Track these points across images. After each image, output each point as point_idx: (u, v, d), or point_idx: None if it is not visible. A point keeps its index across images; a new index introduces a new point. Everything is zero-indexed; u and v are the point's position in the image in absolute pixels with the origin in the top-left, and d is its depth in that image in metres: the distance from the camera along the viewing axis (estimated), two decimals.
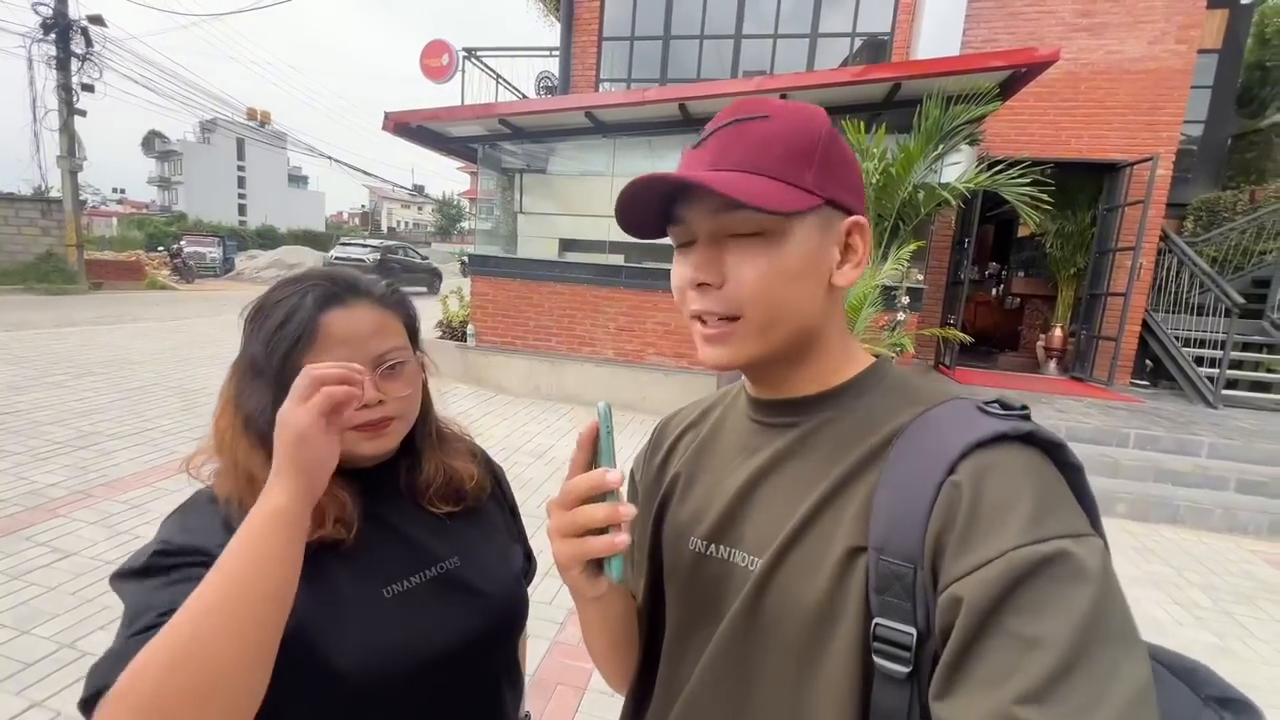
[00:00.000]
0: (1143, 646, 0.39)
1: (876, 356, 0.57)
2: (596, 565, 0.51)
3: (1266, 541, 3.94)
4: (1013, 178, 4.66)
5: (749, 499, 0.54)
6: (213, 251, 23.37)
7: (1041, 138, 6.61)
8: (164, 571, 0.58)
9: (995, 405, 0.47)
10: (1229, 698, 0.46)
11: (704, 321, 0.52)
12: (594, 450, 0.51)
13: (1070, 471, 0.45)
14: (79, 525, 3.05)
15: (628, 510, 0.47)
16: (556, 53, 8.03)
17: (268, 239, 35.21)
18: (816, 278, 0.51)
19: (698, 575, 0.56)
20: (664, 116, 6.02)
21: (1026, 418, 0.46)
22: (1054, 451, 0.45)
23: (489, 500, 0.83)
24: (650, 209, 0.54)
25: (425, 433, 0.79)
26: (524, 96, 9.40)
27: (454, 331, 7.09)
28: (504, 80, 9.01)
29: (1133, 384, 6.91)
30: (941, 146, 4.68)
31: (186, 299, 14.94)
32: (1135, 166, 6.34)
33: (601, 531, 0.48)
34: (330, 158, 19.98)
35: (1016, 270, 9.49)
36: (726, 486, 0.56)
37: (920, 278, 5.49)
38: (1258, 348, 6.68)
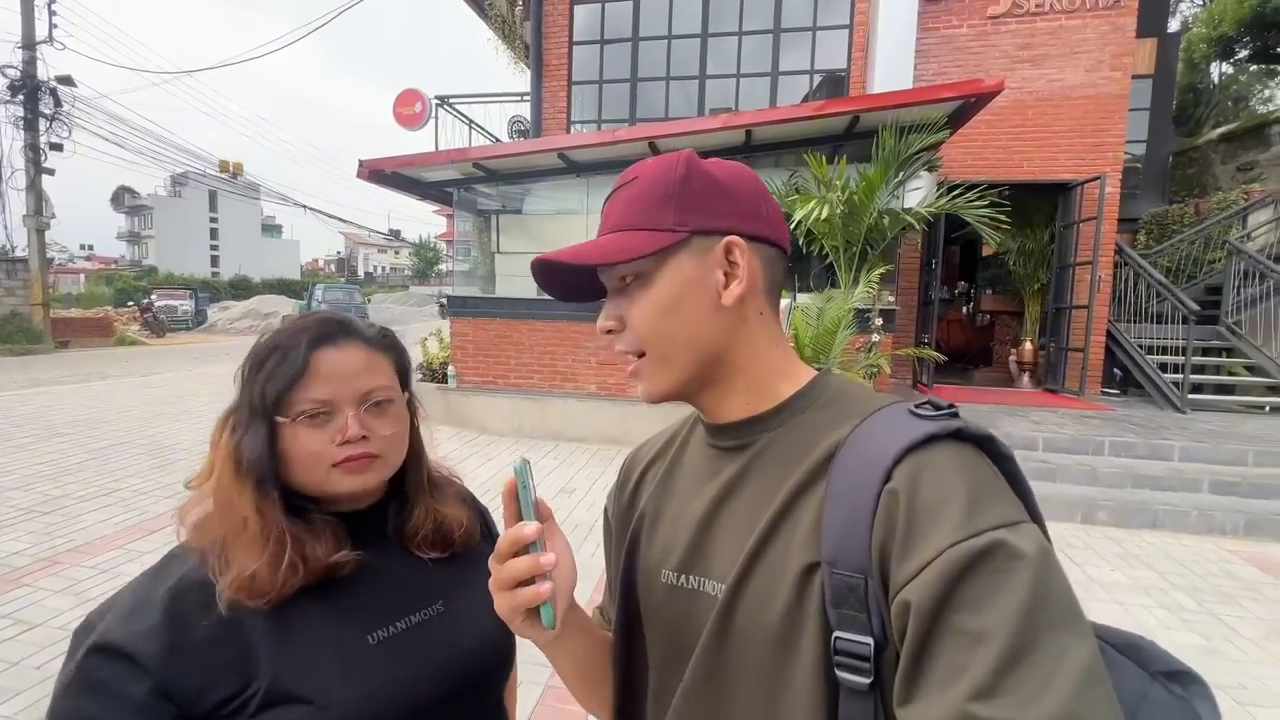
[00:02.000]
0: (1087, 626, 0.39)
1: (819, 369, 0.58)
2: (537, 614, 0.52)
3: (1243, 541, 4.03)
4: (971, 201, 4.86)
5: (712, 525, 0.55)
6: (185, 304, 23.07)
7: (996, 162, 6.93)
8: (86, 690, 0.58)
9: (926, 407, 0.48)
10: (1175, 670, 0.46)
11: (628, 360, 0.57)
12: (518, 505, 0.53)
13: (1003, 462, 0.47)
14: (44, 594, 2.92)
15: (548, 560, 0.50)
16: (528, 98, 8.25)
17: (241, 289, 34.86)
18: (700, 304, 0.53)
19: (671, 607, 0.56)
20: (635, 155, 6.19)
21: (955, 415, 0.47)
22: (984, 444, 0.47)
23: (479, 543, 0.83)
24: (570, 281, 0.61)
25: (417, 478, 0.78)
26: (497, 140, 9.61)
27: (435, 374, 7.05)
28: (476, 125, 9.21)
29: (1103, 393, 7.10)
30: (901, 173, 4.89)
31: (157, 353, 14.65)
32: (1085, 185, 6.66)
33: (531, 582, 0.50)
34: (304, 206, 20.03)
35: (984, 288, 9.79)
36: (691, 515, 0.57)
37: (892, 299, 5.64)
38: (1216, 352, 6.94)
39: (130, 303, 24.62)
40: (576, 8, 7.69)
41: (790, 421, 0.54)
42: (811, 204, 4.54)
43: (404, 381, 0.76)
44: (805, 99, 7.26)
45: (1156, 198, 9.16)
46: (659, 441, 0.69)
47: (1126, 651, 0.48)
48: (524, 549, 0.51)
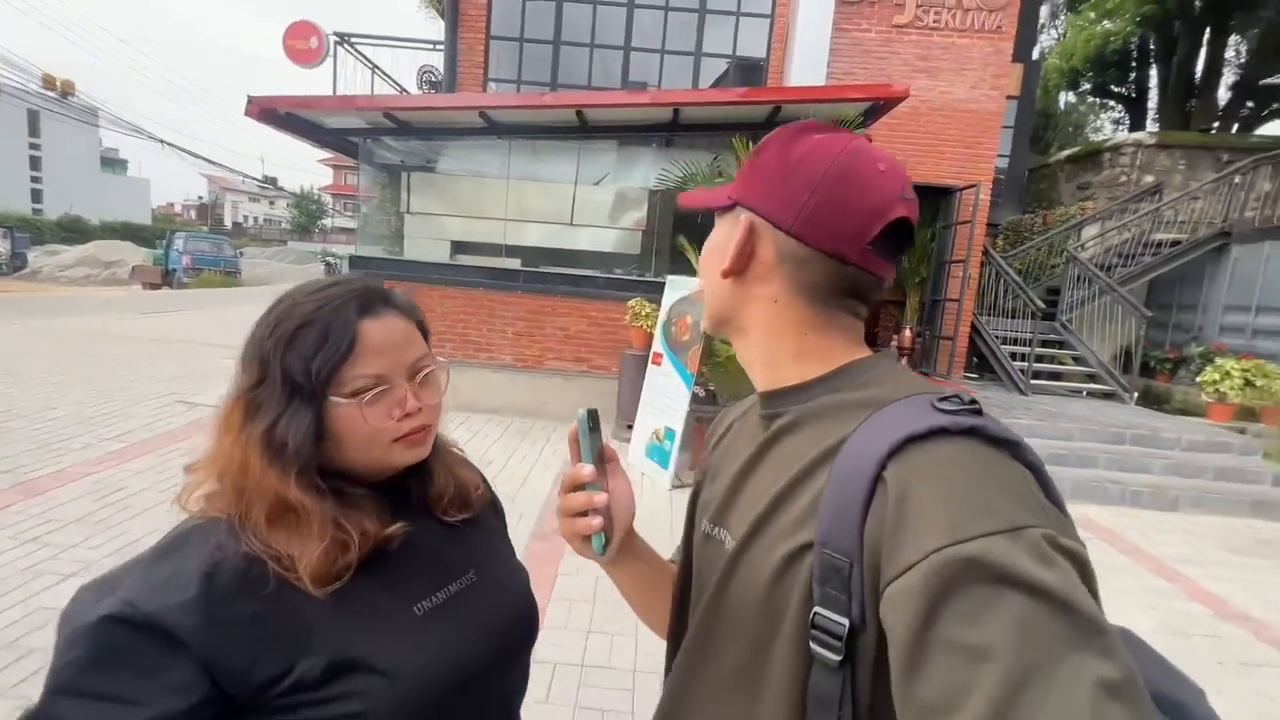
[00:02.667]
0: (1105, 641, 0.35)
1: (868, 354, 0.57)
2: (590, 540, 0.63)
3: (1070, 503, 4.82)
4: None
5: (742, 483, 0.58)
6: None
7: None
8: (108, 665, 0.51)
9: (951, 400, 0.47)
10: None
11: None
12: (580, 447, 0.64)
13: (1030, 471, 0.44)
14: None
15: (600, 499, 0.61)
16: (440, 47, 7.72)
17: (74, 232, 29.87)
18: (715, 265, 0.59)
19: (704, 554, 0.60)
20: (561, 122, 6.05)
21: (976, 412, 0.45)
22: (1005, 448, 0.44)
23: (487, 511, 0.84)
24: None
25: (437, 444, 0.78)
26: (403, 89, 8.92)
27: None
28: (381, 71, 8.49)
29: (965, 377, 8.10)
30: None
31: None
32: (963, 191, 7.45)
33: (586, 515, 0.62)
34: (161, 140, 17.37)
35: None
36: (729, 471, 0.60)
37: None
38: (1054, 344, 8.14)
39: None
40: None
41: (820, 400, 0.54)
42: None
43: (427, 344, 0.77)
44: (717, 82, 7.44)
45: (1014, 207, 10.44)
46: (745, 404, 0.72)
47: (1170, 710, 0.44)
48: (581, 486, 0.62)
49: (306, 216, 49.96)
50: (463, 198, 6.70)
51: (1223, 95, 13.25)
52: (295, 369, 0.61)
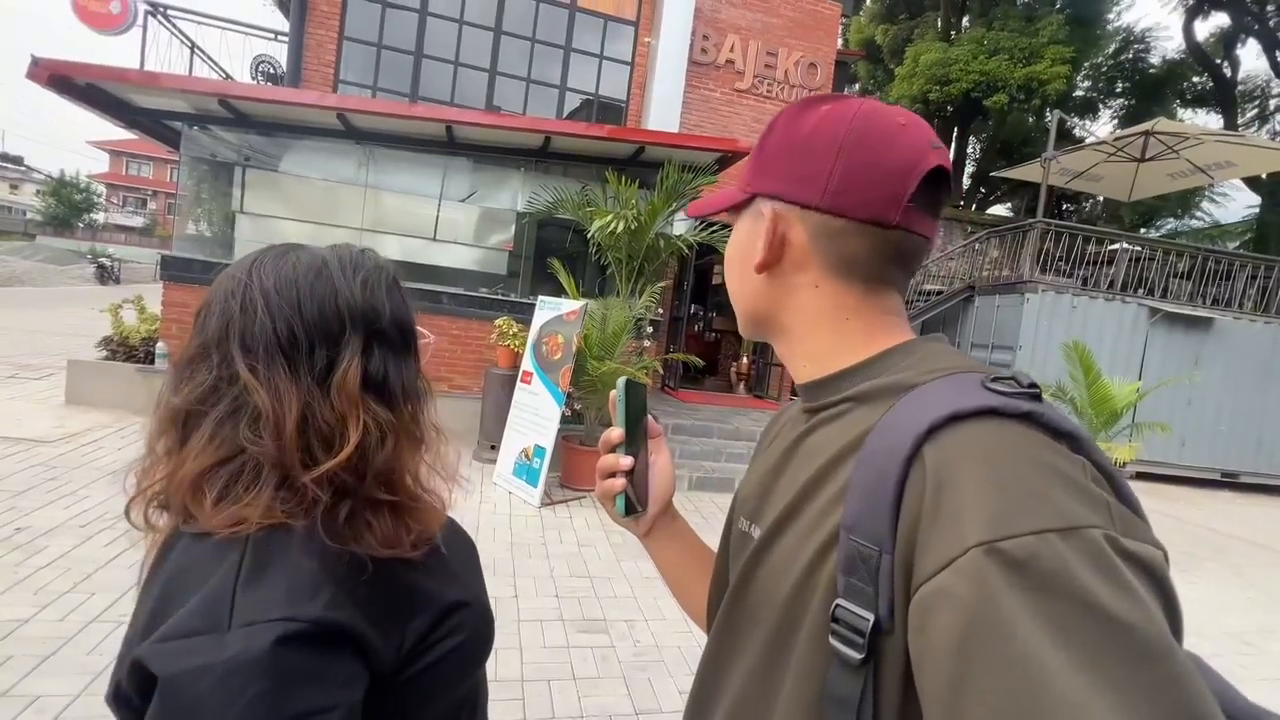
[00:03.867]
0: (1171, 668, 0.31)
1: (913, 338, 0.53)
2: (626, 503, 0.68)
3: None
4: (724, 238, 5.97)
5: (776, 478, 0.55)
6: None
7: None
8: (303, 681, 0.48)
9: (1007, 382, 0.41)
10: None
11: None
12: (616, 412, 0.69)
13: (1094, 468, 0.39)
14: None
15: (625, 462, 0.65)
16: (282, 38, 7.10)
17: None
18: (744, 264, 0.55)
19: (738, 552, 0.57)
20: (427, 134, 5.92)
21: (1036, 397, 0.40)
22: (1065, 440, 0.39)
23: None
24: None
25: None
26: (228, 76, 7.96)
27: (131, 352, 5.55)
28: (202, 52, 7.52)
29: (791, 398, 9.24)
30: (675, 204, 5.74)
31: None
32: None
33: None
34: None
35: (713, 311, 11.77)
36: (767, 467, 0.57)
37: (661, 312, 6.51)
38: None
39: None
40: None
41: (860, 386, 0.50)
42: (610, 218, 5.04)
43: None
44: (574, 116, 7.83)
45: None
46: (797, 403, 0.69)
47: None
48: (614, 449, 0.66)
49: (67, 208, 40.59)
50: (310, 202, 6.17)
51: (966, 181, 17.03)
52: (407, 320, 0.63)
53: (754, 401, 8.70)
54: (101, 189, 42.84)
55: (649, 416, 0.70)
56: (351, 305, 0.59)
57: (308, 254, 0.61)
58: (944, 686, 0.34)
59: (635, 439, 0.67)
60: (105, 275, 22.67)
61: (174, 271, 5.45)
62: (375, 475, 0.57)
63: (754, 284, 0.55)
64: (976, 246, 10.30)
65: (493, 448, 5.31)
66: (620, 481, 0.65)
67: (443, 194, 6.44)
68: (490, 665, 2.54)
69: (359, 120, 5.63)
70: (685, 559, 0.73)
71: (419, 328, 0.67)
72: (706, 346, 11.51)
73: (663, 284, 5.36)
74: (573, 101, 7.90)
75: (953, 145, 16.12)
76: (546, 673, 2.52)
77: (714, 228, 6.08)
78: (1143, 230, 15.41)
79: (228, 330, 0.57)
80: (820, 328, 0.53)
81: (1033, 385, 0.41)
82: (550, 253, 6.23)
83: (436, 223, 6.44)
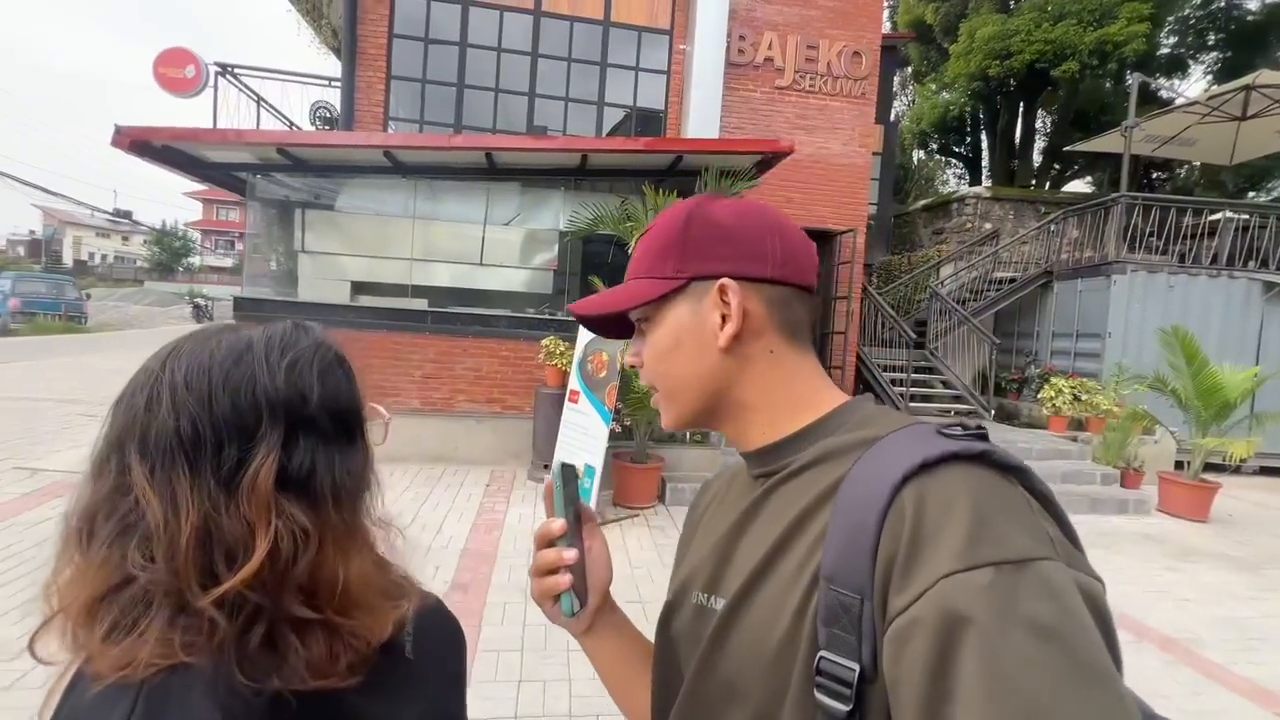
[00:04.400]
0: (1102, 692, 0.35)
1: (852, 398, 0.58)
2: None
3: None
4: None
5: (734, 546, 0.55)
6: None
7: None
8: None
9: (955, 428, 0.46)
10: None
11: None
12: (553, 502, 0.63)
13: (1038, 499, 0.43)
14: None
15: (570, 555, 0.60)
16: (336, 84, 7.51)
17: None
18: (697, 346, 0.56)
19: (698, 627, 0.56)
20: (470, 164, 6.07)
21: (983, 438, 0.45)
22: (1014, 474, 0.43)
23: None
24: (608, 322, 0.65)
25: None
26: (293, 125, 8.51)
27: None
28: (268, 104, 8.07)
29: None
30: None
31: None
32: (843, 235, 8.30)
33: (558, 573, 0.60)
34: None
35: None
36: (719, 537, 0.57)
37: None
38: (925, 370, 9.15)
39: None
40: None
41: (813, 447, 0.53)
42: None
43: None
44: (615, 130, 7.84)
45: (883, 249, 11.74)
46: (729, 472, 0.69)
47: None
48: (554, 543, 0.61)
49: (170, 255, 44.92)
50: (364, 237, 6.47)
51: (1037, 158, 15.89)
52: (345, 406, 0.55)
53: None
54: (196, 235, 47.11)
55: (580, 500, 0.64)
56: (270, 394, 0.51)
57: (231, 338, 0.55)
58: (919, 707, 0.37)
59: (572, 528, 0.62)
60: (200, 314, 24.78)
61: (246, 311, 5.83)
62: (295, 590, 0.49)
63: (711, 362, 0.56)
64: (1053, 228, 9.55)
65: (545, 467, 5.34)
66: (566, 579, 0.60)
67: (487, 219, 6.59)
68: (538, 698, 2.53)
69: (404, 155, 5.85)
70: (629, 653, 0.67)
71: (375, 406, 0.60)
72: None
73: None
74: (612, 115, 7.93)
75: (1018, 122, 15.07)
76: (594, 708, 2.45)
77: None
78: (1251, 195, 13.82)
79: (129, 430, 0.50)
80: (775, 392, 0.57)
81: (979, 428, 0.46)
82: (594, 269, 6.23)
83: (483, 247, 6.59)
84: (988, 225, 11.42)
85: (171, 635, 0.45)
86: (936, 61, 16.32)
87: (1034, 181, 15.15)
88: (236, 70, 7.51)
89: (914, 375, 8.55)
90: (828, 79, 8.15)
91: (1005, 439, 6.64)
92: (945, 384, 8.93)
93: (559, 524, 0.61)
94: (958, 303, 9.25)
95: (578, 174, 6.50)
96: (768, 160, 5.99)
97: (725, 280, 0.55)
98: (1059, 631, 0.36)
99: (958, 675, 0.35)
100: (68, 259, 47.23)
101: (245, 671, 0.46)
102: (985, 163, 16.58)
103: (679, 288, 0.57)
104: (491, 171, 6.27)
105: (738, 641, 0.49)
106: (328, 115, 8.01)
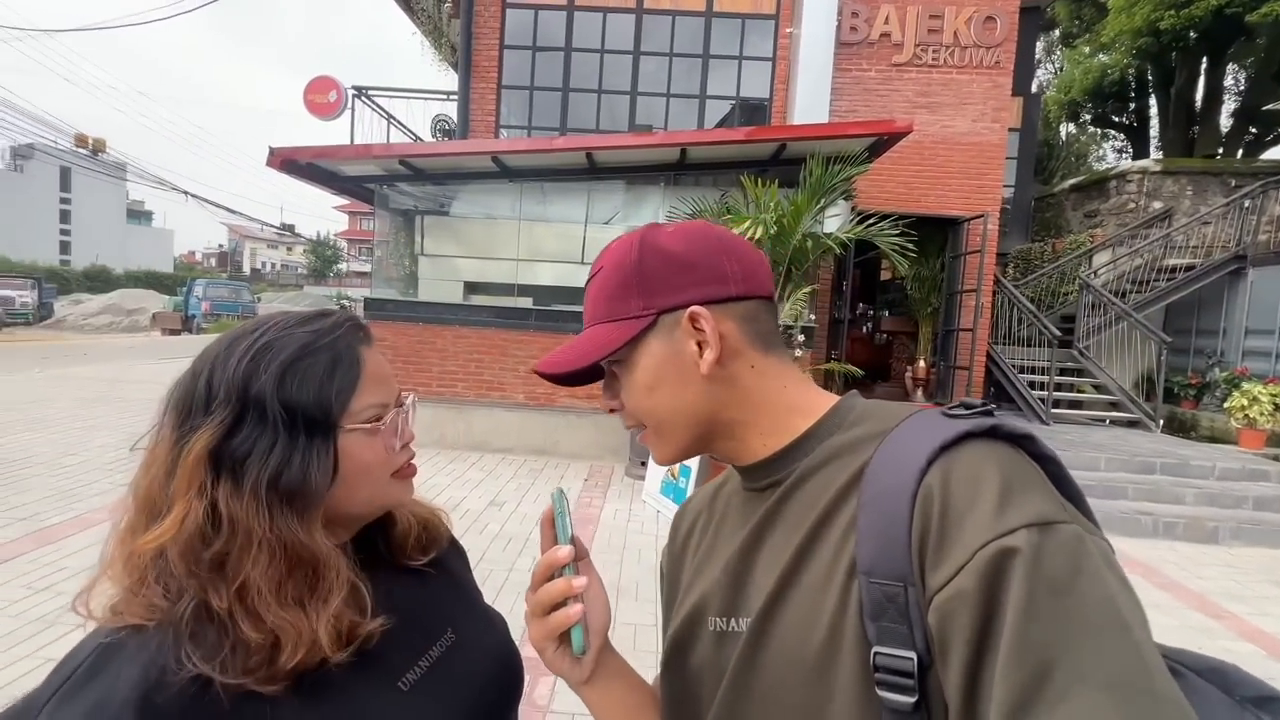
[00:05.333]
0: (1135, 633, 0.37)
1: (842, 396, 0.58)
2: (568, 642, 0.54)
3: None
4: (884, 230, 5.32)
5: (750, 564, 0.54)
6: (25, 295, 20.01)
7: (897, 195, 7.62)
8: None
9: (959, 408, 0.48)
10: (1264, 696, 0.43)
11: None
12: (554, 531, 0.57)
13: (1045, 463, 0.45)
14: None
15: (579, 582, 0.53)
16: (454, 97, 8.02)
17: (99, 281, 30.84)
18: (679, 379, 0.55)
19: (720, 653, 0.54)
20: (571, 164, 6.21)
21: (990, 414, 0.46)
22: (1023, 444, 0.45)
23: (449, 551, 0.77)
24: (570, 378, 0.61)
25: None
26: (417, 138, 9.23)
27: None
28: (396, 121, 8.81)
29: (995, 404, 7.95)
30: (823, 200, 5.26)
31: None
32: (971, 221, 7.49)
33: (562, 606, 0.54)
34: (185, 192, 18.02)
35: (883, 310, 10.68)
36: (731, 558, 0.56)
37: (812, 317, 6.03)
38: (1071, 372, 8.02)
39: None
40: (509, 12, 7.61)
41: (820, 448, 0.53)
42: (747, 224, 4.78)
43: None
44: (721, 123, 7.62)
45: (1021, 236, 10.46)
46: (707, 493, 0.68)
47: (1210, 677, 0.45)
48: (557, 573, 0.55)
49: (322, 261, 51.27)
50: (476, 240, 6.84)
51: (1225, 121, 13.37)
52: (304, 400, 0.55)
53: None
54: (344, 244, 53.16)
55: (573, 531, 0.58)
56: (230, 376, 0.54)
57: (256, 322, 0.59)
58: (970, 653, 0.38)
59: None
60: None
61: (374, 311, 6.39)
62: (217, 574, 0.50)
63: (696, 391, 0.55)
64: (1247, 203, 7.97)
65: (642, 464, 5.32)
66: (577, 609, 0.53)
67: (588, 218, 6.70)
68: None
69: (510, 160, 6.10)
70: (631, 699, 0.61)
71: (404, 393, 0.63)
72: (875, 350, 10.47)
73: (809, 288, 4.92)
74: (714, 108, 7.75)
75: (1200, 80, 12.77)
76: None
77: (870, 220, 5.46)
78: None
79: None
80: (766, 403, 0.56)
81: (984, 404, 0.48)
82: None
83: (584, 246, 6.71)
84: (1156, 204, 9.78)
85: (152, 596, 0.49)
86: (1091, 20, 14.29)
87: (1220, 150, 12.78)
88: (370, 92, 8.27)
89: (1058, 378, 7.52)
90: (954, 50, 7.38)
91: (1177, 454, 5.62)
92: (1099, 388, 7.77)
93: (566, 550, 0.55)
94: (1116, 295, 8.00)
95: (677, 169, 6.41)
96: (881, 143, 5.53)
97: (695, 309, 0.54)
98: (1090, 579, 0.38)
99: (1004, 616, 0.37)
100: (246, 268, 55.55)
101: (189, 650, 0.46)
102: (1154, 132, 14.26)
103: (648, 325, 0.55)
104: (592, 171, 6.37)
105: (773, 654, 0.49)
106: (446, 127, 8.59)
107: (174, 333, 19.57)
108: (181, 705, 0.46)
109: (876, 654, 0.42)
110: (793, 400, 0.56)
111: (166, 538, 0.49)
